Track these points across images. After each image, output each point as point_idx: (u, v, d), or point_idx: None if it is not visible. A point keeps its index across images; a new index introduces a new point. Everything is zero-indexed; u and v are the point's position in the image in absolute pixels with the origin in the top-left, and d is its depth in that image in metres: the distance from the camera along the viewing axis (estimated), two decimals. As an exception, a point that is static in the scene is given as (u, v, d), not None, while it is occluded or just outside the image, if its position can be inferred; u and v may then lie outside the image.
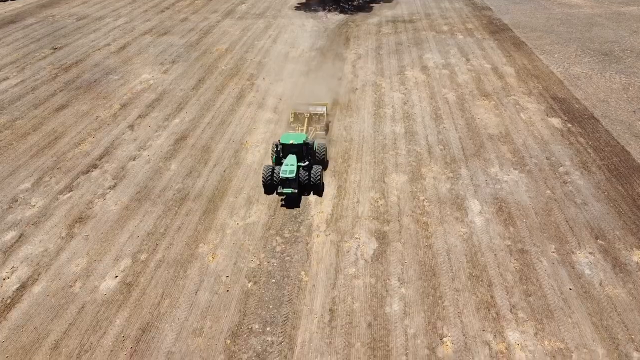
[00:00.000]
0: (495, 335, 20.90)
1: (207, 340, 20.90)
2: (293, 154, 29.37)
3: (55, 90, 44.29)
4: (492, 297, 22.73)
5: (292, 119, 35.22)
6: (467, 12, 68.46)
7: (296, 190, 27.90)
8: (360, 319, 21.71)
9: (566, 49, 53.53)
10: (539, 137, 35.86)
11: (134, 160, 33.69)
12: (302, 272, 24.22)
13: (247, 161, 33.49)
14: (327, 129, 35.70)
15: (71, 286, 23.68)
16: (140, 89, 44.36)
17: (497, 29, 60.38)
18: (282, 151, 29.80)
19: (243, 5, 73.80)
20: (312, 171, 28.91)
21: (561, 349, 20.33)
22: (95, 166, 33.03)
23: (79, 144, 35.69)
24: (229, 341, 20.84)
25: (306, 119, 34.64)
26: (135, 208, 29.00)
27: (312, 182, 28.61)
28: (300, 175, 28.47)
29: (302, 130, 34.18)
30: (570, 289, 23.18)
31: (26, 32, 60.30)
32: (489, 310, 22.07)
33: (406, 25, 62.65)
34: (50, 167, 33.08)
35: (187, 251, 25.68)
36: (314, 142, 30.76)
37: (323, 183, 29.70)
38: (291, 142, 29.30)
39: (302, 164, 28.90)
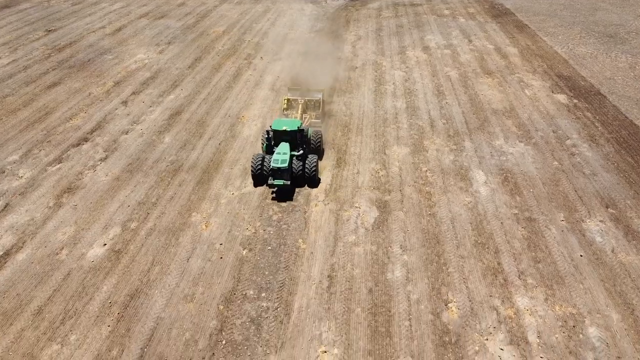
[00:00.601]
0: (503, 301, 19.78)
1: (198, 306, 19.76)
2: (286, 141, 26.31)
3: (48, 69, 43.17)
4: (499, 263, 21.60)
5: (285, 106, 31.98)
6: (468, -3, 67.43)
7: (289, 182, 25.09)
8: (360, 285, 20.58)
9: (570, 31, 52.43)
10: (545, 112, 34.75)
11: (126, 134, 32.58)
12: (300, 240, 23.10)
13: (244, 134, 32.38)
14: (323, 115, 32.58)
15: (57, 254, 22.54)
16: (135, 67, 43.27)
17: (499, 13, 59.31)
18: (273, 139, 26.64)
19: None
20: (306, 161, 25.97)
21: (573, 314, 19.20)
22: (86, 139, 31.92)
23: (70, 118, 34.57)
24: (221, 307, 19.71)
25: (300, 105, 31.18)
26: (127, 179, 27.88)
27: (307, 173, 25.76)
28: (293, 166, 25.60)
29: (296, 117, 30.97)
30: (581, 255, 22.05)
31: (20, 16, 59.19)
32: (496, 276, 20.94)
33: (407, 9, 61.58)
34: (40, 140, 31.97)
35: (179, 220, 24.56)
36: (308, 130, 27.92)
37: (319, 177, 27.28)
38: (284, 128, 26.11)
39: (296, 153, 25.89)
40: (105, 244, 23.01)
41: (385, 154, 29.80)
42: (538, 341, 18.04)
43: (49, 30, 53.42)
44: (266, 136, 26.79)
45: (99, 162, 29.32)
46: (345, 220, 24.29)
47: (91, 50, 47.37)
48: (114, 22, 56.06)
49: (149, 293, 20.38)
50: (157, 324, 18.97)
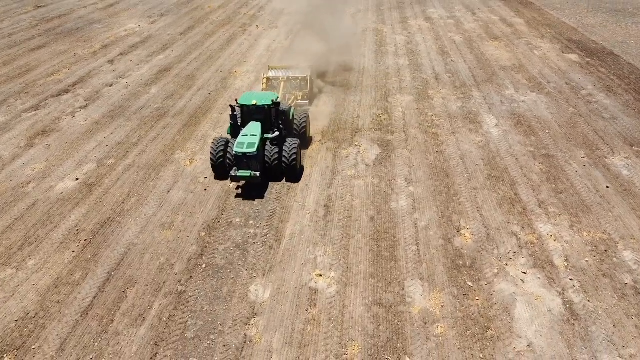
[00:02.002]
0: (523, 227, 17.40)
1: (177, 232, 17.39)
2: (258, 121, 19.91)
3: (34, 35, 41.24)
4: (516, 194, 19.26)
5: (264, 85, 26.09)
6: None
7: (258, 173, 18.66)
8: (361, 214, 18.22)
9: (577, 7, 50.67)
10: (556, 68, 32.67)
11: (110, 86, 30.45)
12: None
13: (236, 86, 30.27)
14: (311, 96, 26.53)
15: (23, 187, 20.22)
16: (125, 34, 41.36)
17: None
18: (241, 117, 20.30)
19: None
20: (284, 146, 19.55)
21: (604, 239, 16.82)
22: (67, 91, 29.78)
23: (52, 74, 32.48)
24: (203, 233, 17.32)
25: (282, 82, 25.20)
26: (107, 123, 25.65)
27: (285, 162, 19.31)
28: (266, 152, 19.36)
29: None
30: (608, 187, 19.75)
31: (10, -5, 57.43)
32: (513, 205, 18.59)
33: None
34: (18, 91, 29.85)
35: (161, 157, 22.29)
36: (290, 109, 21.62)
37: (302, 166, 20.95)
38: (254, 103, 19.45)
39: (270, 136, 19.68)
40: (77, 179, 20.72)
41: (387, 101, 27.64)
42: (566, 264, 15.63)
43: (39, 6, 51.61)
44: (232, 113, 20.19)
45: (78, 110, 27.16)
46: (344, 157, 22.03)
47: (80, 21, 45.53)
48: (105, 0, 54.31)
49: (122, 222, 18.03)
50: (129, 250, 16.59)
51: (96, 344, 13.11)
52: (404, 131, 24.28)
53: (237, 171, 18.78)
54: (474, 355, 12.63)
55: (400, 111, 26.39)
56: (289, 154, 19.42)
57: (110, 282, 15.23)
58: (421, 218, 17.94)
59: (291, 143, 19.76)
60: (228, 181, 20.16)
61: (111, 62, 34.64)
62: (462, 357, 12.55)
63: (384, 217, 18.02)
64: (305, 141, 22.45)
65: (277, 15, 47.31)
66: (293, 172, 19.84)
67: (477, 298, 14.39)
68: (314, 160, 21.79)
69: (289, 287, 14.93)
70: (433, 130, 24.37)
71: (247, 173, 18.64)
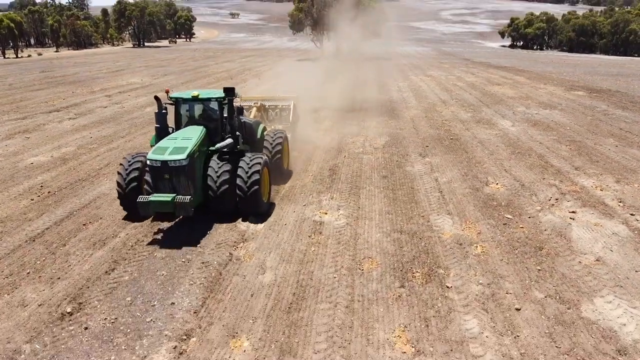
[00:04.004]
0: (561, 181, 15.00)
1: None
2: (199, 124, 12.60)
3: (34, 83, 41.24)
4: (546, 162, 17.13)
5: None
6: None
7: (188, 199, 10.85)
8: (372, 173, 15.86)
9: (574, 71, 51.74)
10: (564, 97, 31.90)
11: (104, 107, 29.29)
12: (295, 151, 18.59)
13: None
14: (294, 128, 18.35)
15: (-10, 161, 17.94)
16: (126, 84, 41.35)
17: (499, 65, 59.38)
18: (176, 120, 13.11)
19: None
20: (242, 162, 12.04)
21: (660, 189, 14.25)
22: (58, 110, 28.60)
23: (46, 102, 31.59)
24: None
25: (254, 108, 18.02)
26: (95, 126, 24.06)
27: (241, 187, 11.71)
28: (210, 170, 11.86)
29: None
30: (649, 157, 17.48)
31: (19, 66, 59.15)
32: (545, 169, 16.37)
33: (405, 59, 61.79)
34: (7, 111, 28.56)
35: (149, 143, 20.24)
36: (258, 124, 14.39)
37: (273, 203, 13.18)
38: (195, 95, 12.56)
39: (220, 145, 12.24)
40: (52, 156, 18.52)
41: (394, 113, 26.24)
42: (621, 205, 13.00)
43: (44, 71, 52.63)
44: (160, 111, 12.57)
45: (67, 119, 25.65)
46: (350, 142, 20.02)
47: (83, 77, 45.94)
48: (111, 68, 55.66)
49: (96, 181, 15.71)
50: (98, 197, 14.16)
51: (38, 262, 10.12)
52: (414, 128, 22.53)
53: (148, 197, 10.83)
54: (529, 267, 9.65)
55: (409, 118, 24.86)
56: (247, 173, 11.66)
57: (70, 218, 12.46)
58: (442, 176, 15.53)
59: (253, 158, 12.06)
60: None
61: (109, 96, 33.88)
62: (513, 270, 9.56)
63: (398, 177, 15.56)
64: (280, 172, 14.77)
65: (276, 76, 47.79)
66: (253, 205, 11.84)
67: (521, 226, 11.61)
68: (317, 143, 19.66)
69: (288, 220, 12.16)
70: (445, 128, 22.68)
71: (167, 198, 10.64)
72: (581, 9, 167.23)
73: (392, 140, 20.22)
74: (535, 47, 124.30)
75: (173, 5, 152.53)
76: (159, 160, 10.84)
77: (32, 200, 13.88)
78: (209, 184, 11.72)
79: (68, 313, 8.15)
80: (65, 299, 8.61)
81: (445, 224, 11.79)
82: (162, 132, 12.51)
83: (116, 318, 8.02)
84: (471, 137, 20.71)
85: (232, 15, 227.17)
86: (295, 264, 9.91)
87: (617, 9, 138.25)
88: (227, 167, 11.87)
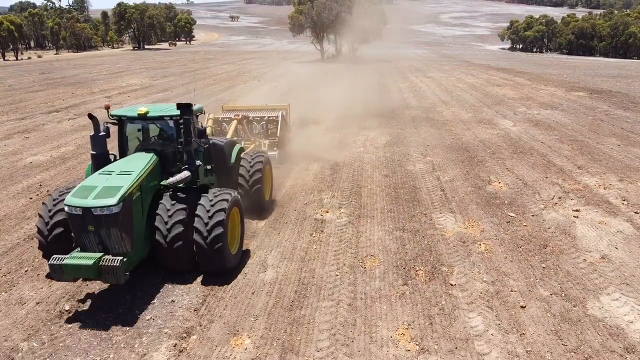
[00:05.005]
0: (564, 180, 14.88)
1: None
2: (150, 150, 9.72)
3: (33, 84, 41.14)
4: (549, 161, 16.98)
5: (209, 131, 14.86)
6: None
7: (118, 262, 7.65)
8: (373, 173, 15.74)
9: (574, 72, 51.70)
10: (565, 98, 31.83)
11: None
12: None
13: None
14: (282, 144, 16.25)
15: (-11, 160, 17.82)
16: (126, 85, 41.29)
17: (499, 67, 59.39)
18: (120, 144, 10.31)
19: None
20: (201, 204, 8.93)
21: (664, 187, 14.14)
22: (58, 111, 28.52)
23: (46, 102, 31.46)
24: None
25: (234, 121, 15.27)
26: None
27: (200, 241, 8.61)
28: (159, 216, 8.81)
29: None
30: (652, 156, 17.38)
31: (18, 68, 59.11)
32: (548, 167, 16.23)
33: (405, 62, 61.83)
34: (5, 111, 28.45)
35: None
36: (234, 145, 11.99)
37: (245, 250, 10.14)
38: (142, 112, 9.66)
39: (171, 180, 8.91)
40: (51, 155, 18.41)
41: (395, 113, 26.15)
42: (625, 203, 12.88)
43: (43, 73, 52.58)
44: (94, 133, 9.89)
45: (66, 119, 25.53)
46: (351, 142, 19.93)
47: (83, 78, 45.87)
48: (111, 70, 55.61)
49: (95, 180, 15.35)
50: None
51: (36, 260, 10.01)
52: (415, 127, 22.44)
53: (70, 256, 7.85)
54: (534, 265, 9.53)
55: (409, 117, 24.76)
56: (208, 222, 8.61)
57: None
58: (444, 175, 15.41)
59: (217, 197, 9.03)
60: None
61: (108, 97, 33.79)
62: (517, 268, 9.43)
63: (399, 176, 15.45)
64: (260, 205, 11.84)
65: (277, 78, 47.77)
66: (217, 262, 8.89)
67: (524, 224, 11.48)
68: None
69: (289, 218, 12.03)
70: (446, 127, 22.57)
71: (88, 260, 7.67)
72: (580, 12, 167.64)
73: (393, 139, 20.09)
74: (534, 50, 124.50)
75: (173, 8, 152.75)
76: (79, 207, 7.68)
77: (30, 199, 13.76)
78: (157, 231, 8.54)
79: (66, 311, 8.02)
80: (64, 297, 8.49)
81: (448, 222, 11.67)
82: (100, 160, 9.47)
83: (115, 316, 7.88)
84: (472, 136, 20.61)
85: (232, 18, 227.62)
86: (296, 261, 9.78)
87: (616, 11, 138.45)
88: (182, 212, 8.64)
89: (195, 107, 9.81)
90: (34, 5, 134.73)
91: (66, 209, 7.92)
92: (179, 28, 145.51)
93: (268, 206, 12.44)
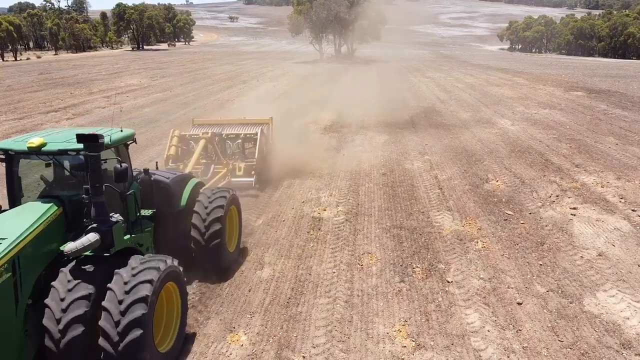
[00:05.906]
0: (562, 178, 14.89)
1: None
2: (51, 197, 6.52)
3: (32, 85, 41.15)
4: (547, 160, 17.01)
5: (171, 152, 13.11)
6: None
7: None
8: (371, 171, 15.77)
9: (573, 72, 51.79)
10: (564, 97, 31.89)
11: (103, 108, 29.16)
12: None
13: (234, 106, 29.01)
14: (261, 168, 13.86)
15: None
16: (124, 85, 41.32)
17: (498, 68, 59.44)
18: (8, 188, 6.74)
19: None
20: (114, 282, 5.77)
21: (661, 185, 14.15)
22: (56, 111, 28.50)
23: (44, 102, 31.45)
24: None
25: (202, 140, 12.95)
26: (92, 125, 23.80)
27: (109, 337, 5.49)
28: (52, 299, 5.68)
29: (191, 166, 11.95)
30: (650, 155, 17.39)
31: (18, 69, 59.11)
32: (546, 166, 16.24)
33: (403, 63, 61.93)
34: (4, 111, 28.46)
35: (146, 143, 20.16)
36: (190, 180, 9.11)
37: (174, 348, 6.59)
38: (35, 145, 6.12)
39: (73, 250, 5.68)
40: (49, 155, 18.30)
41: (392, 112, 26.15)
42: (622, 201, 12.89)
43: (42, 73, 52.59)
44: None
45: (64, 119, 25.53)
46: (349, 140, 19.94)
47: (81, 79, 45.88)
48: (110, 70, 55.62)
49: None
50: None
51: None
52: (413, 126, 22.48)
53: None
54: (530, 262, 9.53)
55: (407, 115, 24.80)
56: (120, 312, 5.59)
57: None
58: (441, 173, 15.43)
59: (137, 273, 5.89)
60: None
61: (107, 97, 33.82)
62: (514, 265, 9.44)
63: (397, 174, 15.47)
64: (220, 265, 8.78)
65: (277, 78, 47.89)
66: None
67: (522, 222, 11.49)
68: (316, 143, 19.52)
69: (286, 216, 12.02)
70: (445, 127, 22.59)
71: None
72: (579, 13, 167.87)
73: (392, 138, 20.11)
74: (533, 50, 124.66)
75: (172, 8, 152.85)
76: None
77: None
78: (45, 325, 5.61)
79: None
80: (60, 293, 8.44)
81: (446, 220, 11.67)
82: None
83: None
84: (471, 135, 20.63)
85: (231, 18, 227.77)
86: (293, 259, 9.77)
87: (615, 12, 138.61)
88: (84, 301, 5.67)
89: (114, 137, 6.67)
90: (33, 6, 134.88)
91: None
92: (178, 29, 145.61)
93: (234, 259, 9.29)
